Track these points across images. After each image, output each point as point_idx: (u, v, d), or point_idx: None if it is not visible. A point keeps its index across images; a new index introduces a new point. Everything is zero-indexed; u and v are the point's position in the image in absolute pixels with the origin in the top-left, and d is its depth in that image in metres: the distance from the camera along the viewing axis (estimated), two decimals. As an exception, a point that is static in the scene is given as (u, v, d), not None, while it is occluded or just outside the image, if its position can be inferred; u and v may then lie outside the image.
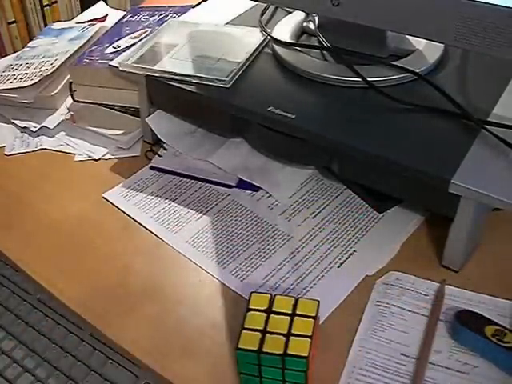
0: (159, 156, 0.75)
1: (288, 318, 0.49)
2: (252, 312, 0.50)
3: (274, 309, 0.50)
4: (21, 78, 0.84)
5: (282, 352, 0.47)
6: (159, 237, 0.65)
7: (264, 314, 0.50)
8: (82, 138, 0.80)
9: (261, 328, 0.49)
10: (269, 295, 0.51)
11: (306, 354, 0.46)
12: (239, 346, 0.48)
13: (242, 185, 0.70)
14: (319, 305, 0.50)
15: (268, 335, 0.48)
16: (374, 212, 0.66)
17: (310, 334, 0.48)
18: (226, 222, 0.66)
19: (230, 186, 0.70)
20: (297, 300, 0.50)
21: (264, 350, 0.47)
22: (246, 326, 0.49)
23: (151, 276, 0.61)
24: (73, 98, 0.82)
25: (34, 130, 0.81)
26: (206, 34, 0.78)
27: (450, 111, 0.61)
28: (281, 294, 0.51)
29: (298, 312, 0.49)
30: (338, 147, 0.60)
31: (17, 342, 0.57)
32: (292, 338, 0.48)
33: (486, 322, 0.51)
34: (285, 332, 0.48)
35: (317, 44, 0.73)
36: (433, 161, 0.56)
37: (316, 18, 0.75)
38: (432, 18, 0.57)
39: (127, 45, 0.80)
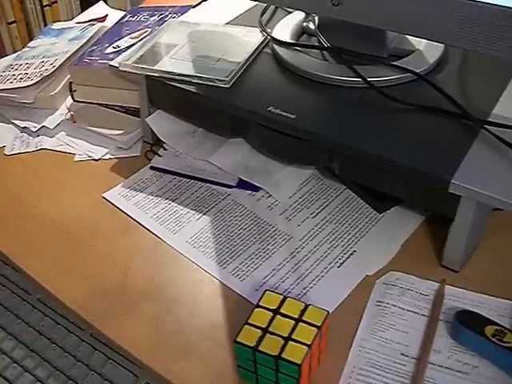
0: (159, 156, 0.75)
1: (293, 322, 0.49)
2: (259, 309, 0.50)
3: (281, 310, 0.50)
4: (21, 78, 0.84)
5: (276, 354, 0.47)
6: (159, 237, 0.65)
7: (270, 314, 0.50)
8: (82, 138, 0.80)
9: (263, 326, 0.49)
10: (281, 296, 0.51)
11: (299, 362, 0.46)
12: (237, 339, 0.48)
13: (242, 185, 0.70)
14: (327, 316, 0.49)
15: (268, 335, 0.48)
16: (374, 212, 0.66)
17: (309, 343, 0.47)
18: (225, 222, 0.66)
19: (230, 186, 0.70)
20: (307, 306, 0.50)
21: (260, 348, 0.47)
22: (249, 321, 0.49)
23: (151, 276, 0.61)
24: (73, 98, 0.82)
25: (34, 130, 0.81)
26: (205, 34, 0.78)
27: (449, 111, 0.61)
28: (294, 298, 0.51)
29: (304, 318, 0.49)
30: (338, 147, 0.60)
31: (17, 342, 0.57)
32: (290, 342, 0.47)
33: (486, 322, 0.51)
34: (285, 335, 0.48)
35: (317, 44, 0.73)
36: (433, 161, 0.56)
37: (316, 18, 0.75)
38: (432, 18, 0.57)
39: (127, 45, 0.80)
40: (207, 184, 0.71)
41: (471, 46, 0.56)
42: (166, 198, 0.69)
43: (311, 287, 0.58)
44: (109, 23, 0.94)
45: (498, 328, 0.51)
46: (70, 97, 0.82)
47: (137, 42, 0.79)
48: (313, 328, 0.48)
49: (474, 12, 0.55)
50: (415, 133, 0.60)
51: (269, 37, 0.75)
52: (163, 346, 0.54)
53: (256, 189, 0.69)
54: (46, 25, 1.67)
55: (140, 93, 0.75)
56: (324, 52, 0.72)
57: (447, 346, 0.52)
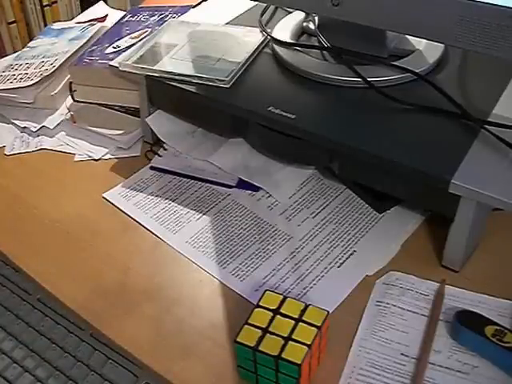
0: (159, 156, 0.75)
1: (293, 322, 0.49)
2: (259, 309, 0.50)
3: (281, 310, 0.50)
4: (21, 78, 0.84)
5: (276, 354, 0.47)
6: (159, 237, 0.65)
7: (270, 314, 0.50)
8: (82, 138, 0.80)
9: (263, 326, 0.49)
10: (281, 296, 0.51)
11: (299, 362, 0.46)
12: (237, 339, 0.48)
13: (242, 185, 0.70)
14: (327, 316, 0.50)
15: (268, 335, 0.48)
16: (374, 212, 0.66)
17: (309, 343, 0.47)
18: (225, 222, 0.66)
19: (230, 186, 0.70)
20: (307, 306, 0.50)
21: (260, 348, 0.47)
22: (249, 322, 0.49)
23: (151, 276, 0.61)
24: (73, 98, 0.82)
25: (34, 130, 0.81)
26: (205, 34, 0.78)
27: (449, 111, 0.61)
28: (294, 298, 0.51)
29: (304, 318, 0.49)
30: (338, 147, 0.60)
31: (17, 343, 0.57)
32: (290, 342, 0.47)
33: (486, 322, 0.51)
34: (285, 335, 0.48)
35: (317, 44, 0.73)
36: (433, 161, 0.56)
37: (316, 18, 0.75)
38: (432, 18, 0.57)
39: (127, 45, 0.80)
40: (207, 184, 0.71)
41: (471, 46, 0.56)
42: (166, 198, 0.69)
43: (311, 287, 0.58)
44: (109, 23, 0.94)
45: (498, 328, 0.51)
46: (69, 97, 0.82)
47: (137, 42, 0.79)
48: (313, 328, 0.48)
49: (473, 12, 0.55)
50: (415, 133, 0.60)
51: (269, 37, 0.75)
52: (163, 346, 0.54)
53: (256, 189, 0.69)
54: (45, 25, 1.67)
55: (140, 93, 0.75)
56: (324, 52, 0.72)
57: (447, 346, 0.52)
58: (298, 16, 0.78)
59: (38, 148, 0.79)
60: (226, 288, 0.59)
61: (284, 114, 0.63)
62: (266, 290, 0.52)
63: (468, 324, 0.51)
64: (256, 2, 0.75)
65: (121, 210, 0.68)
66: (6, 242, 0.65)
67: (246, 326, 0.49)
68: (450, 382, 0.49)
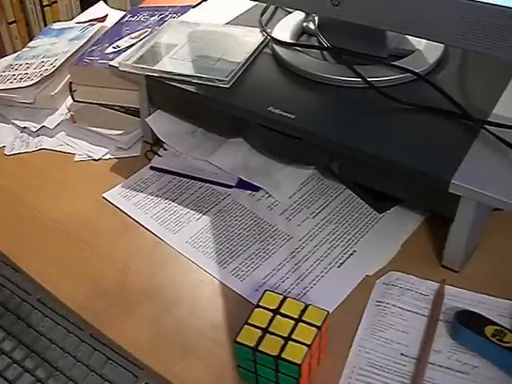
0: (159, 156, 0.75)
1: (293, 322, 0.49)
2: (259, 309, 0.50)
3: (281, 310, 0.50)
4: (21, 78, 0.84)
5: (276, 354, 0.47)
6: (159, 237, 0.65)
7: (270, 314, 0.50)
8: (82, 138, 0.80)
9: (263, 326, 0.49)
10: (281, 296, 0.51)
11: (299, 362, 0.46)
12: (237, 339, 0.48)
13: (242, 185, 0.70)
14: (327, 316, 0.50)
15: (268, 335, 0.48)
16: (374, 212, 0.66)
17: (308, 343, 0.47)
18: (226, 222, 0.66)
19: (230, 186, 0.70)
20: (307, 306, 0.50)
21: (260, 348, 0.47)
22: (249, 322, 0.49)
23: (151, 276, 0.61)
24: (73, 98, 0.82)
25: (34, 130, 0.81)
26: (205, 34, 0.78)
27: (449, 111, 0.61)
28: (294, 298, 0.51)
29: (304, 318, 0.49)
30: (338, 147, 0.60)
31: (17, 343, 0.57)
32: (290, 342, 0.47)
33: (486, 322, 0.51)
34: (285, 335, 0.48)
35: (317, 44, 0.73)
36: (433, 161, 0.56)
37: (316, 18, 0.75)
38: (432, 18, 0.57)
39: (127, 45, 0.80)
40: (207, 184, 0.71)
41: (471, 46, 0.56)
42: (166, 198, 0.69)
43: (311, 287, 0.58)
44: (109, 23, 0.94)
45: (498, 328, 0.51)
46: (69, 97, 0.82)
47: (137, 42, 0.79)
48: (313, 328, 0.48)
49: (473, 12, 0.55)
50: (415, 133, 0.60)
51: (269, 37, 0.75)
52: (163, 346, 0.54)
53: (256, 189, 0.69)
54: (45, 25, 1.67)
55: (140, 93, 0.75)
56: (324, 52, 0.72)
57: (447, 346, 0.52)
58: (297, 16, 0.78)
59: (38, 148, 0.79)
60: (226, 288, 0.59)
61: (284, 113, 0.63)
62: (266, 290, 0.52)
63: (468, 324, 0.51)
64: (256, 2, 0.75)
65: (121, 210, 0.68)
66: (5, 241, 0.65)
67: (245, 325, 0.49)
68: (449, 381, 0.49)
